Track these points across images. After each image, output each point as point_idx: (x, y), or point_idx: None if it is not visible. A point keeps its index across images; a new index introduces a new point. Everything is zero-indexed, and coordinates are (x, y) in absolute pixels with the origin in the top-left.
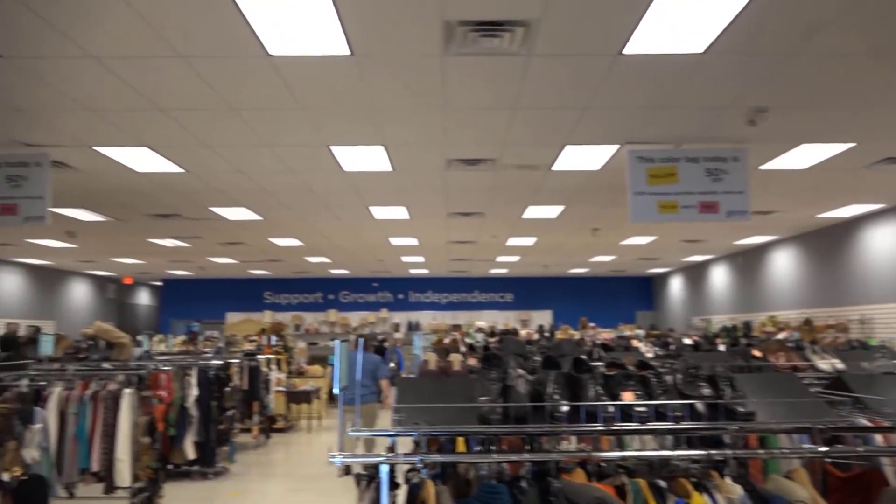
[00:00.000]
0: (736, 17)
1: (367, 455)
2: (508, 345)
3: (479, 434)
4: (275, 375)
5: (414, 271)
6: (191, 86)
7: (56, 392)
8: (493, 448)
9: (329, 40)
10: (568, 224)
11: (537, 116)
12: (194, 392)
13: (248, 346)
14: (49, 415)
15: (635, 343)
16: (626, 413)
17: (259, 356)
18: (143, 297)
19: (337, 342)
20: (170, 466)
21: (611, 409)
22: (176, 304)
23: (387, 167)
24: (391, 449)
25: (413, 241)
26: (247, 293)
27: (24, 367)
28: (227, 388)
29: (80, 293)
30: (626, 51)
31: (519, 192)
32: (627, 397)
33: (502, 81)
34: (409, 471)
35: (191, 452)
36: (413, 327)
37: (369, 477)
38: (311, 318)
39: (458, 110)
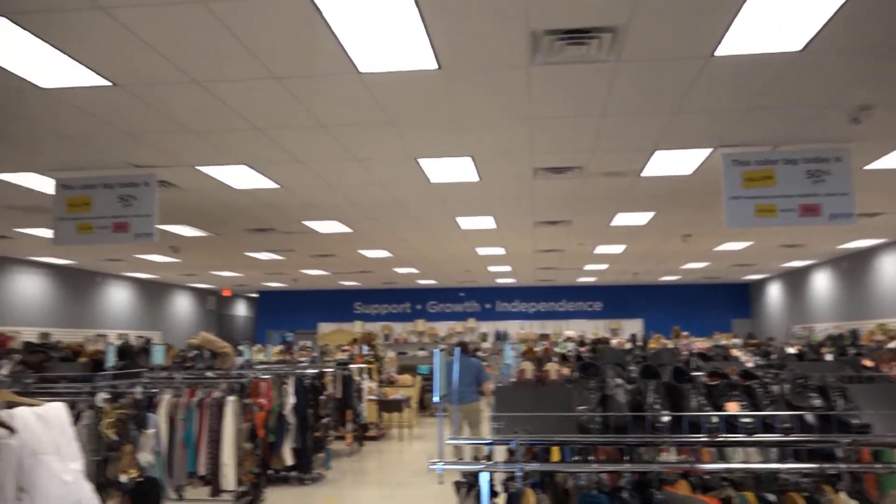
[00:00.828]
0: (836, 12)
1: (466, 463)
2: (605, 354)
3: (578, 443)
4: (367, 384)
5: (501, 281)
6: (285, 105)
7: (166, 399)
8: (591, 458)
9: (417, 55)
10: (658, 230)
11: (625, 122)
12: (291, 400)
13: (341, 356)
14: (160, 420)
15: (734, 352)
16: (731, 424)
17: (351, 365)
18: (241, 309)
19: (436, 351)
20: (270, 472)
21: (715, 419)
22: (271, 314)
23: (473, 178)
24: (488, 457)
25: (500, 251)
26: (338, 304)
27: (137, 376)
28: (322, 397)
29: (183, 305)
30: (718, 52)
31: (607, 199)
32: (732, 408)
33: (589, 89)
34: (508, 479)
35: (289, 458)
36: (501, 337)
37: (468, 484)
38: (399, 329)
39: (545, 119)
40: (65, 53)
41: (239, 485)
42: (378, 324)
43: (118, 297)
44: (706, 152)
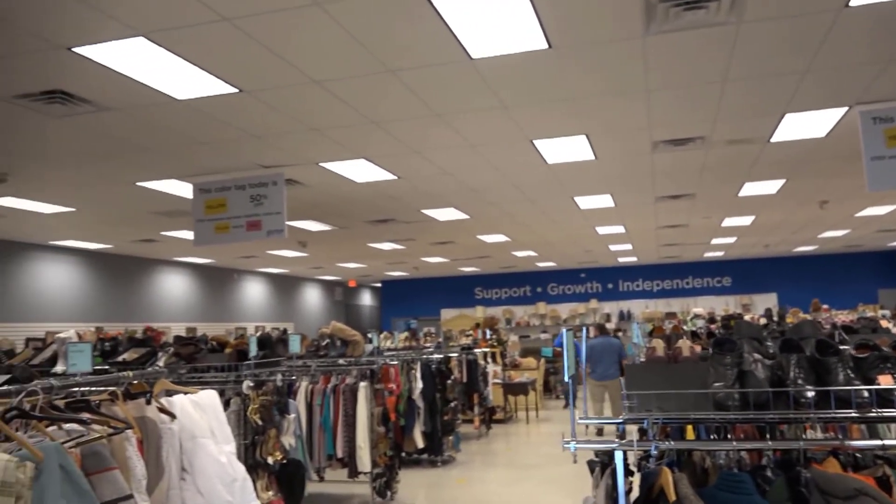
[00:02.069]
0: None
1: (600, 441)
2: (741, 328)
3: (716, 421)
4: (491, 368)
5: (623, 260)
6: (400, 97)
7: (303, 386)
8: (730, 436)
9: (527, 36)
10: (791, 199)
11: (750, 86)
12: (419, 385)
13: (465, 341)
14: (299, 406)
15: (884, 324)
16: (884, 398)
17: (475, 350)
18: (366, 298)
19: (564, 331)
20: (403, 454)
21: (865, 393)
22: (395, 303)
23: (590, 156)
24: (621, 436)
25: (620, 230)
26: (458, 290)
27: (277, 364)
28: (449, 381)
29: (312, 297)
30: (852, 2)
31: (733, 168)
32: (885, 381)
33: (709, 54)
34: (642, 458)
35: (420, 441)
36: (624, 317)
37: (602, 464)
38: (520, 312)
39: (662, 90)
40: (195, 65)
41: (374, 466)
42: (499, 308)
43: (253, 292)
44: (841, 111)
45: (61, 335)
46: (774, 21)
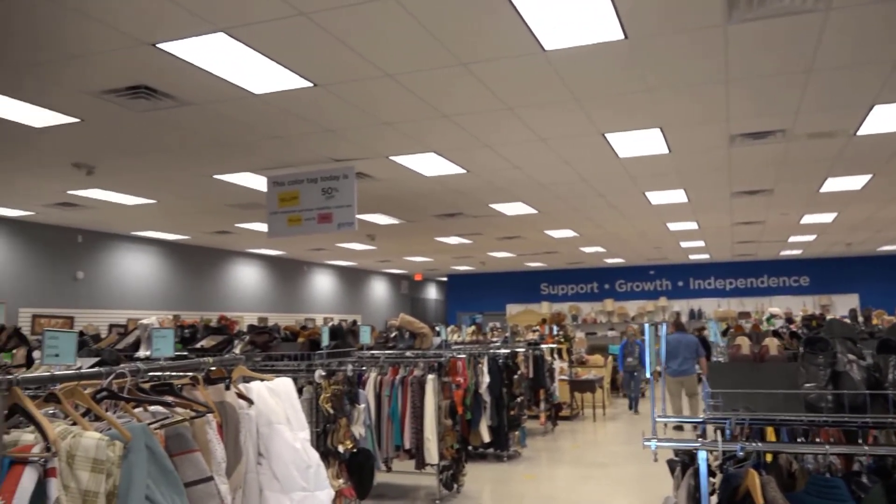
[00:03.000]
0: None
1: (683, 441)
2: (833, 328)
3: (807, 424)
4: (558, 364)
5: (694, 257)
6: (471, 91)
7: (372, 376)
8: (818, 440)
9: (603, 27)
10: (877, 195)
11: (837, 77)
12: (486, 379)
13: (531, 336)
14: (368, 396)
15: None
16: None
17: (542, 346)
18: (432, 292)
19: (646, 325)
20: (469, 448)
21: None
22: (460, 297)
23: (663, 150)
24: (702, 435)
25: (693, 226)
26: (524, 285)
27: (348, 354)
28: (515, 376)
29: (378, 290)
30: None
31: (814, 163)
32: None
33: (794, 43)
34: (727, 460)
35: (486, 435)
36: (695, 315)
37: (682, 463)
38: (587, 309)
39: (743, 81)
40: (273, 60)
41: (441, 459)
42: (565, 304)
43: (322, 284)
44: None
45: (144, 321)
46: (865, 7)
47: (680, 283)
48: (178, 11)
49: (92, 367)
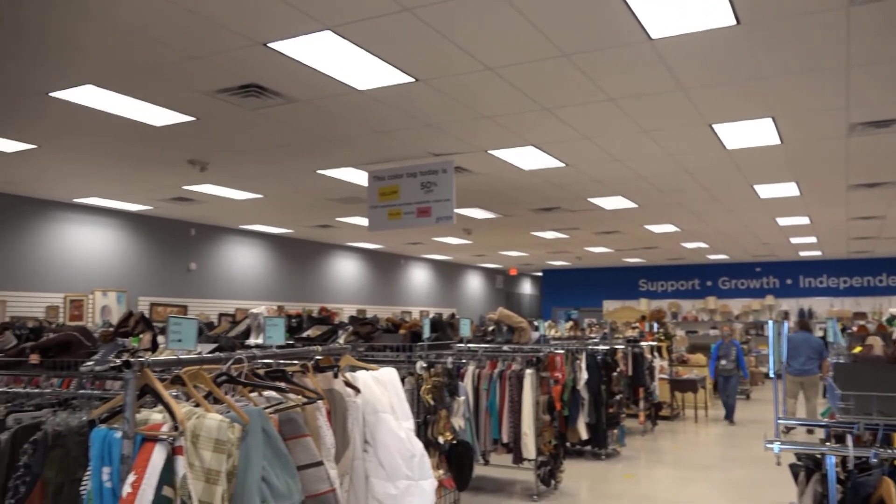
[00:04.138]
0: None
1: (810, 445)
2: None
3: None
4: (658, 363)
5: (805, 253)
6: (573, 82)
7: (470, 370)
8: None
9: (714, 13)
10: None
11: None
12: (584, 375)
13: (630, 333)
14: (466, 389)
15: None
16: None
17: (641, 343)
18: (527, 287)
19: (770, 322)
20: (567, 445)
21: None
22: (555, 292)
23: (775, 140)
24: (827, 439)
25: (804, 221)
26: (622, 281)
27: (448, 347)
28: (614, 374)
29: (473, 284)
30: None
31: None
32: None
33: None
34: (859, 465)
35: (584, 432)
36: (804, 315)
37: (807, 469)
38: (688, 306)
39: (867, 66)
40: (376, 56)
41: (539, 454)
42: (664, 301)
43: (418, 277)
44: None
45: (254, 311)
46: None
47: (788, 281)
48: (290, 11)
49: (210, 352)
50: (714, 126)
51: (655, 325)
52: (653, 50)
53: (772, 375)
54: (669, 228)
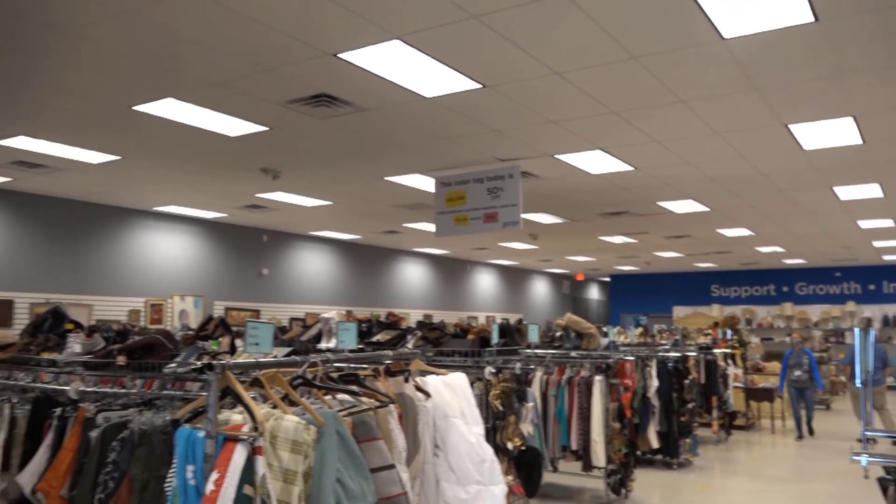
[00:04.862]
0: None
1: None
2: None
3: None
4: (732, 371)
5: (888, 258)
6: (642, 85)
7: (538, 375)
8: None
9: (790, 10)
10: None
11: None
12: (654, 383)
13: (702, 340)
14: (534, 394)
15: None
16: None
17: (714, 350)
18: (594, 293)
19: (856, 330)
20: (637, 453)
21: None
22: (624, 298)
23: (856, 140)
24: None
25: (888, 223)
26: (693, 286)
27: (516, 353)
28: (686, 381)
29: (539, 289)
30: None
31: None
32: None
33: None
34: None
35: (654, 441)
36: (889, 322)
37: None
38: (763, 312)
39: None
40: (443, 63)
41: (609, 462)
42: (738, 307)
43: (484, 283)
44: None
45: (325, 315)
46: None
47: (871, 287)
48: (359, 22)
49: (285, 356)
50: (790, 126)
51: (729, 332)
52: (725, 50)
53: (858, 385)
54: (743, 232)
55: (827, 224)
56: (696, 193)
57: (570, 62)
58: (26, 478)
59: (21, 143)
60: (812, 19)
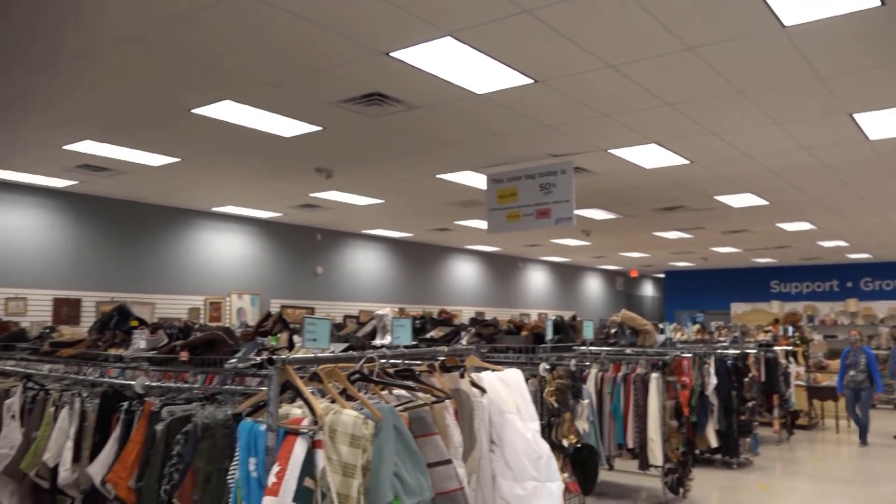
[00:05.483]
0: None
1: None
2: None
3: None
4: (793, 369)
5: None
6: (698, 76)
7: (593, 372)
8: None
9: None
10: None
11: None
12: (713, 380)
13: (762, 337)
14: (590, 391)
15: None
16: None
17: (775, 347)
18: (648, 289)
19: None
20: (695, 452)
21: None
22: (679, 294)
23: None
24: None
25: None
26: (751, 282)
27: (570, 349)
28: (746, 379)
29: (592, 286)
30: None
31: None
32: None
33: None
34: None
35: (713, 440)
36: None
37: None
38: (826, 309)
39: None
40: (495, 59)
41: (666, 461)
42: (799, 303)
43: (536, 280)
44: None
45: (379, 312)
46: None
47: None
48: (411, 20)
49: (342, 351)
50: (855, 116)
51: (790, 329)
52: (787, 38)
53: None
54: (804, 226)
55: (894, 217)
56: (754, 187)
57: (623, 54)
58: (96, 469)
59: (87, 147)
60: (878, 3)
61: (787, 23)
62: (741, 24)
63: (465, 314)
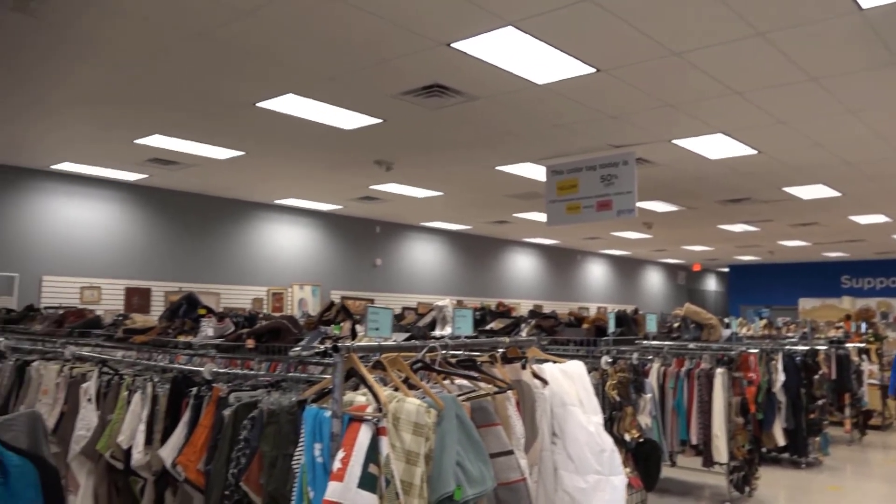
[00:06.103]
0: None
1: None
2: None
3: None
4: (867, 367)
5: None
6: (768, 62)
7: (655, 367)
8: None
9: None
10: None
11: None
12: (781, 377)
13: (833, 334)
14: (652, 386)
15: None
16: None
17: (847, 344)
18: (711, 284)
19: None
20: (762, 450)
21: None
22: (743, 289)
23: None
24: None
25: None
26: (820, 277)
27: (632, 343)
28: (816, 377)
29: (653, 280)
30: None
31: None
32: None
33: None
34: None
35: (780, 438)
36: None
37: None
38: None
39: None
40: (557, 48)
41: (731, 459)
42: (872, 300)
43: (595, 273)
44: None
45: (439, 303)
46: None
47: None
48: (472, 10)
49: (405, 341)
50: None
51: (864, 326)
52: (864, 21)
53: None
54: (879, 219)
55: None
56: (826, 178)
57: (689, 41)
58: (167, 451)
59: (156, 141)
60: None
61: (864, 5)
62: (815, 7)
63: (523, 307)
